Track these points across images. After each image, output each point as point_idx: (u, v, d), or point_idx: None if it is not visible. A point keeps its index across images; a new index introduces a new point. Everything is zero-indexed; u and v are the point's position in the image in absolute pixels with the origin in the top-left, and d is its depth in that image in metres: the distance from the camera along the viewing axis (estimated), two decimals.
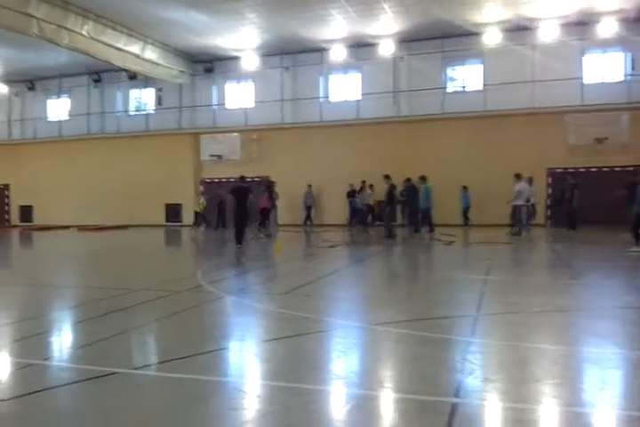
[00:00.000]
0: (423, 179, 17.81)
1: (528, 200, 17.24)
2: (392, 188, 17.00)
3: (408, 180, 17.57)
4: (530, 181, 18.01)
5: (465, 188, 21.19)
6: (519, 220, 16.53)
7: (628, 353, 4.52)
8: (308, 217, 22.77)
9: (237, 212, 14.28)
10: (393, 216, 17.81)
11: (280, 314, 6.17)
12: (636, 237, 11.69)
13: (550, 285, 8.25)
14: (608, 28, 19.90)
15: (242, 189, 14.42)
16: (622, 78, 20.79)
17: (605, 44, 20.76)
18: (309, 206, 22.86)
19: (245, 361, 4.65)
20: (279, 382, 3.93)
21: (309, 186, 22.88)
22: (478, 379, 3.90)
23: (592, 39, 20.56)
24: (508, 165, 20.17)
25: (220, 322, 6.02)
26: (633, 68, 20.36)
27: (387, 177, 16.96)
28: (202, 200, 23.20)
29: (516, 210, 16.47)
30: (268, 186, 19.14)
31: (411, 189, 17.38)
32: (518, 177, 16.75)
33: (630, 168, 19.13)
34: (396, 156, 21.80)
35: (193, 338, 5.18)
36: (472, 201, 21.09)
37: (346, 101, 23.94)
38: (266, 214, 18.23)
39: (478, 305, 6.45)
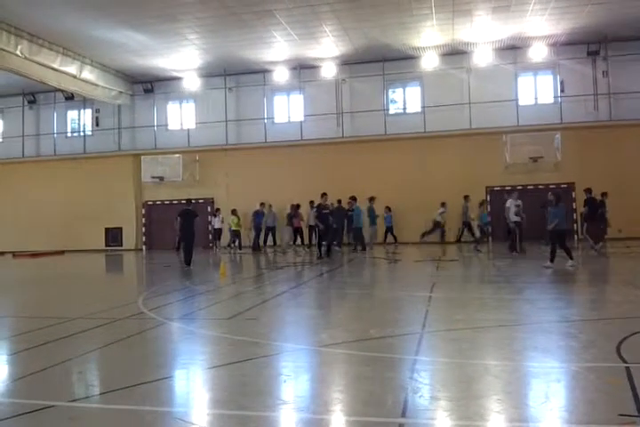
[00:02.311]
0: (353, 199, 18.10)
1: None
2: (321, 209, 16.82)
3: (339, 201, 18.54)
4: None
5: (388, 208, 21.27)
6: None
7: (568, 366, 4.62)
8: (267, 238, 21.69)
9: (184, 234, 14.82)
10: (326, 237, 16.87)
11: (224, 339, 6.02)
12: (567, 251, 12.07)
13: (491, 300, 8.41)
14: (538, 52, 20.94)
15: (188, 212, 14.80)
16: (553, 100, 21.80)
17: (537, 68, 21.86)
18: (271, 227, 21.48)
19: (189, 390, 4.51)
20: (223, 411, 3.81)
21: (270, 206, 21.64)
22: (424, 398, 3.90)
23: (524, 63, 21.58)
24: (448, 184, 20.89)
25: (162, 350, 5.81)
26: (562, 91, 21.38)
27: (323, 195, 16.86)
28: (233, 218, 21.27)
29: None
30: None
31: (337, 211, 17.82)
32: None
33: (564, 185, 19.98)
34: (339, 176, 21.97)
35: (134, 367, 4.98)
36: (415, 220, 21.43)
37: (289, 123, 24.06)
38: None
39: (423, 323, 6.50)
